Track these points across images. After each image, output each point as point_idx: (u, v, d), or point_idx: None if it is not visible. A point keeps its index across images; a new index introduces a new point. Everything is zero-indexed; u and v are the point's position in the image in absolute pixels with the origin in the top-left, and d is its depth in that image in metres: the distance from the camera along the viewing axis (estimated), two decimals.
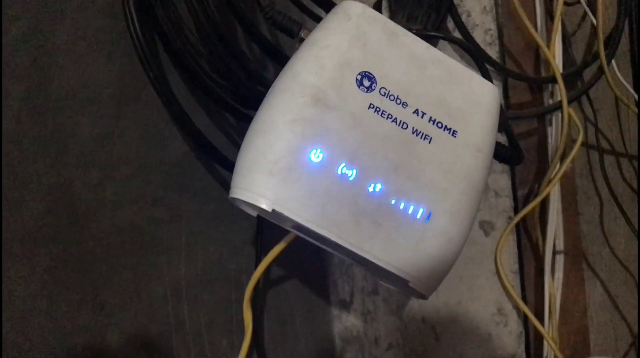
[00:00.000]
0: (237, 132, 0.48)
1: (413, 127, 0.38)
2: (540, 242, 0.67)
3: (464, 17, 0.63)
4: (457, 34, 0.62)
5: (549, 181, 0.63)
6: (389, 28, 0.39)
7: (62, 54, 0.40)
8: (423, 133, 0.38)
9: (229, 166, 0.46)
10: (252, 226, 0.50)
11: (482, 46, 0.63)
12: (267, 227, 0.49)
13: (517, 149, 0.46)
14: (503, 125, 0.43)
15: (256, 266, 0.47)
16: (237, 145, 0.48)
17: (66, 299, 0.42)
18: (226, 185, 0.48)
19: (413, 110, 0.38)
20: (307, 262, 0.56)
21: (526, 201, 0.67)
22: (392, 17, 0.54)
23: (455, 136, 0.39)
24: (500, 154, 0.44)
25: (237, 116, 0.46)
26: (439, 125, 0.39)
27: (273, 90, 0.38)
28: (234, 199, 0.38)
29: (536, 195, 0.65)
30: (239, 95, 0.43)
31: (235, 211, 0.39)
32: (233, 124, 0.49)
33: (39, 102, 0.39)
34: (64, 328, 0.42)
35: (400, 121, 0.38)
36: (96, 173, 0.41)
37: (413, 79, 0.39)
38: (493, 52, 0.64)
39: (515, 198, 0.66)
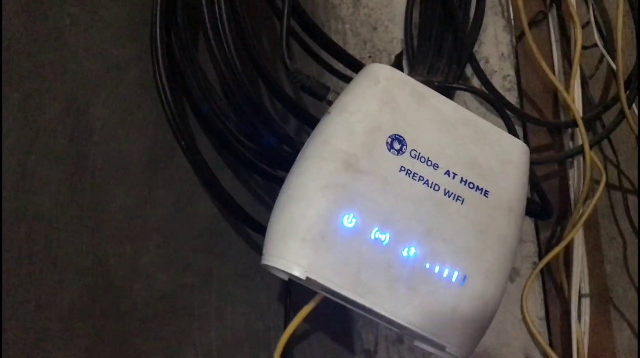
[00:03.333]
0: (266, 192, 0.48)
1: (445, 189, 0.38)
2: (565, 286, 0.66)
3: (482, 64, 0.63)
4: (475, 81, 0.62)
5: (573, 226, 0.62)
6: (417, 90, 0.39)
7: (98, 129, 0.41)
8: (455, 194, 0.38)
9: (257, 227, 0.46)
10: (278, 283, 0.50)
11: (501, 91, 0.63)
12: (294, 285, 0.49)
13: (548, 204, 0.46)
14: (533, 180, 0.43)
15: (284, 325, 0.47)
16: (265, 204, 0.48)
17: None
18: (253, 245, 0.48)
19: (444, 171, 0.38)
20: (331, 312, 0.55)
21: (549, 244, 0.66)
22: (413, 69, 0.55)
23: (487, 196, 0.39)
24: (531, 210, 0.44)
25: (266, 177, 0.46)
26: (471, 186, 0.39)
27: (303, 156, 0.38)
28: (267, 266, 0.37)
29: (559, 238, 0.64)
30: (267, 157, 0.44)
31: (262, 269, 0.39)
32: (261, 184, 0.49)
33: (75, 181, 0.39)
34: None
35: (432, 183, 0.38)
36: (130, 245, 0.41)
37: (443, 140, 0.39)
38: (512, 97, 0.64)
39: (538, 243, 0.65)
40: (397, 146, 0.38)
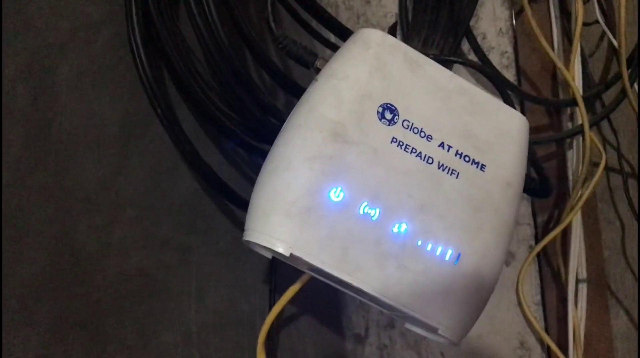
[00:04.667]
0: (250, 166, 0.46)
1: (439, 162, 0.36)
2: (562, 270, 0.64)
3: (479, 40, 0.61)
4: (472, 57, 0.60)
5: (571, 209, 0.60)
6: (410, 57, 0.37)
7: (65, 92, 0.38)
8: (450, 168, 0.36)
9: (241, 203, 0.43)
10: (263, 263, 0.48)
11: (499, 68, 0.61)
12: (280, 265, 0.47)
13: (546, 181, 0.43)
14: (530, 156, 0.41)
15: (270, 307, 0.45)
16: (249, 179, 0.46)
17: None
18: (237, 222, 0.46)
19: (438, 143, 0.36)
20: (321, 296, 0.54)
21: (546, 227, 0.65)
22: (407, 41, 0.52)
23: (483, 171, 0.37)
24: (529, 187, 0.42)
25: (250, 150, 0.44)
26: (466, 159, 0.36)
27: (288, 125, 0.35)
28: (249, 242, 0.35)
29: (557, 221, 0.63)
30: (251, 128, 0.41)
31: (247, 248, 0.37)
32: (245, 158, 0.47)
33: (39, 145, 0.37)
34: None
35: (425, 155, 0.36)
36: (101, 217, 0.39)
37: (437, 111, 0.36)
38: (510, 74, 0.62)
39: (535, 226, 0.64)
40: (388, 115, 0.35)
